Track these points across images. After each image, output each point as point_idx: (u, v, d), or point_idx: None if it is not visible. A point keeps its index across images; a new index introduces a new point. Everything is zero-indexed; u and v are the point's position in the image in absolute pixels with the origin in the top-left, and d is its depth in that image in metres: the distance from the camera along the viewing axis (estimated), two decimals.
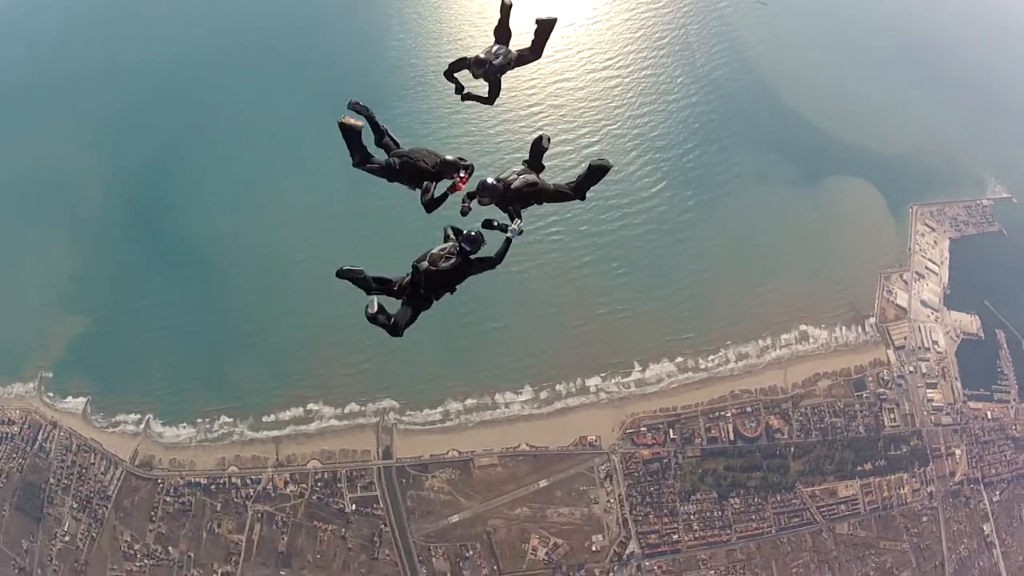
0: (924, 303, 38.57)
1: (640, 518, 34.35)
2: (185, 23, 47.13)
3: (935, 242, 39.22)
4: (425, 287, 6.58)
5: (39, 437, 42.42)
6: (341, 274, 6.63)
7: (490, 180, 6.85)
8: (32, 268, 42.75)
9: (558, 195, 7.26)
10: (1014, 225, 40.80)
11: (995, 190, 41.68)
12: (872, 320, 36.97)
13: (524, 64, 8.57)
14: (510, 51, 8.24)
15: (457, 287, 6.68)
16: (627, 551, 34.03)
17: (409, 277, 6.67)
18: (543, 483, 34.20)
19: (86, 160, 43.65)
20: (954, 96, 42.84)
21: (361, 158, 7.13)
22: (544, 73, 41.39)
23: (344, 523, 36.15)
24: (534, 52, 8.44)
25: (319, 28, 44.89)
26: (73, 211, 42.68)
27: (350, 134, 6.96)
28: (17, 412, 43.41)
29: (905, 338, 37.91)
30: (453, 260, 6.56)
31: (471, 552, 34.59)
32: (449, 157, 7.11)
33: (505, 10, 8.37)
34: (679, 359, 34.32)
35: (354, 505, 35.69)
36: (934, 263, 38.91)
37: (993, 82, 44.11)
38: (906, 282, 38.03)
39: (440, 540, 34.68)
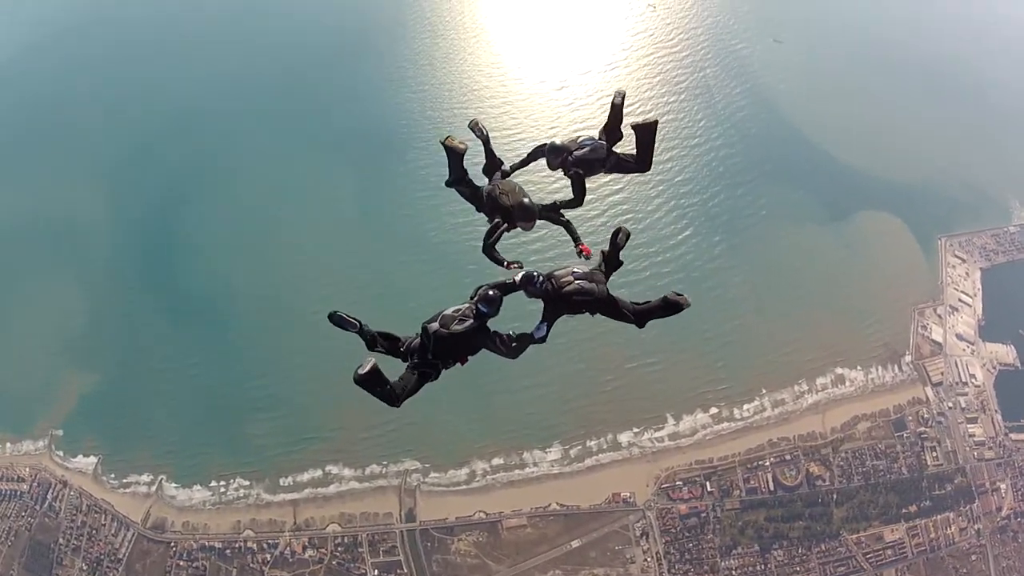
0: (959, 336, 35.57)
1: None
2: (193, 66, 44.63)
3: (967, 273, 36.36)
4: (433, 352, 5.61)
5: (48, 496, 39.11)
6: (333, 319, 5.82)
7: (535, 276, 5.85)
8: (40, 319, 39.67)
9: (615, 314, 6.11)
10: None
11: (1021, 216, 39.04)
12: (908, 358, 33.93)
13: (626, 172, 7.27)
14: (601, 143, 6.92)
15: (469, 358, 5.69)
16: None
17: (417, 338, 5.73)
18: (576, 543, 30.80)
19: (94, 206, 40.82)
20: (973, 122, 40.37)
21: (455, 178, 6.53)
22: (564, 122, 38.85)
23: None
24: (640, 163, 7.04)
25: (333, 72, 42.44)
26: (82, 260, 39.76)
27: (452, 155, 6.53)
28: (27, 470, 40.11)
29: (942, 374, 34.83)
30: (467, 323, 5.66)
31: None
32: (526, 201, 6.35)
33: (616, 108, 7.05)
34: (713, 410, 31.24)
35: (376, 571, 32.19)
36: (967, 295, 36.01)
37: (1011, 106, 41.64)
38: (940, 316, 35.08)
39: None
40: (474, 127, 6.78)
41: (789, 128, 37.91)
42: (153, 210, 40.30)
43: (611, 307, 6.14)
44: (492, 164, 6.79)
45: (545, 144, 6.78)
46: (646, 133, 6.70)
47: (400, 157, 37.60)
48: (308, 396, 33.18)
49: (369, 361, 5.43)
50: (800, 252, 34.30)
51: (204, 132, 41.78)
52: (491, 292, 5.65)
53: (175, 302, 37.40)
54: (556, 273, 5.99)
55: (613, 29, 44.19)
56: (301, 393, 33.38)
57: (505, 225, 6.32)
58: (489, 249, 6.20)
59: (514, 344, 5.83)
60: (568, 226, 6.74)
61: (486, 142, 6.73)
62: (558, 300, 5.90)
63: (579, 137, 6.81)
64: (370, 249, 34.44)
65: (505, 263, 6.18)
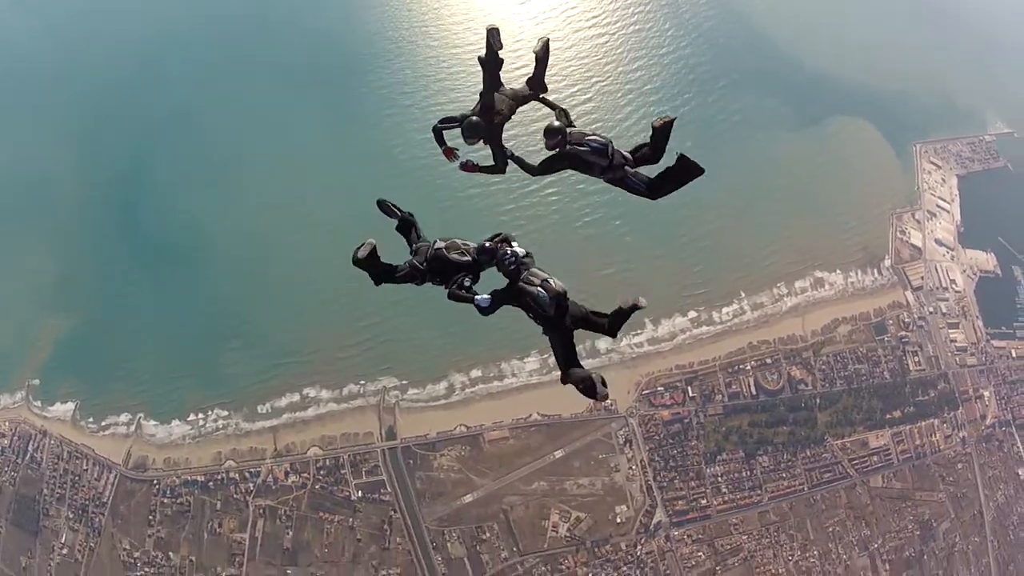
0: (939, 242, 34.84)
1: (665, 484, 30.14)
2: (154, 9, 43.23)
3: (943, 180, 35.63)
4: (428, 264, 6.09)
5: (29, 448, 37.97)
6: (381, 206, 6.44)
7: (506, 255, 5.99)
8: (9, 271, 38.43)
9: (585, 322, 5.98)
10: (1020, 160, 37.25)
11: (996, 125, 38.19)
12: (887, 262, 33.16)
13: (630, 191, 6.72)
14: (606, 148, 6.40)
15: (448, 289, 5.94)
16: (654, 520, 29.80)
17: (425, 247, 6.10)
18: (559, 453, 29.97)
19: (58, 155, 39.42)
20: (948, 30, 39.45)
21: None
22: (529, 36, 37.75)
23: (351, 512, 31.72)
24: (652, 190, 6.65)
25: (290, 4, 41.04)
26: (48, 208, 38.43)
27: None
28: (6, 424, 38.90)
29: (922, 278, 34.09)
30: (463, 259, 6.05)
31: (488, 534, 30.21)
32: (487, 244, 6.18)
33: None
34: (692, 313, 30.33)
35: (360, 492, 31.30)
36: (944, 201, 35.27)
37: (988, 16, 40.70)
38: (919, 221, 34.33)
39: (454, 523, 30.33)
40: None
41: (759, 36, 36.90)
42: (119, 155, 38.94)
43: (566, 324, 5.83)
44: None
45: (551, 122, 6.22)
46: (686, 174, 6.11)
47: (362, 79, 36.43)
48: (280, 322, 32.11)
49: (369, 244, 6.01)
50: (775, 158, 33.40)
51: (165, 75, 40.44)
52: (487, 244, 5.85)
53: (143, 241, 36.21)
54: (532, 269, 5.87)
55: None
56: (273, 320, 32.31)
57: (452, 123, 6.43)
58: (436, 131, 6.43)
59: (459, 292, 5.88)
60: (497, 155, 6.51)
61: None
62: (514, 293, 5.82)
63: (589, 135, 6.33)
64: (337, 171, 33.33)
65: (443, 149, 6.38)
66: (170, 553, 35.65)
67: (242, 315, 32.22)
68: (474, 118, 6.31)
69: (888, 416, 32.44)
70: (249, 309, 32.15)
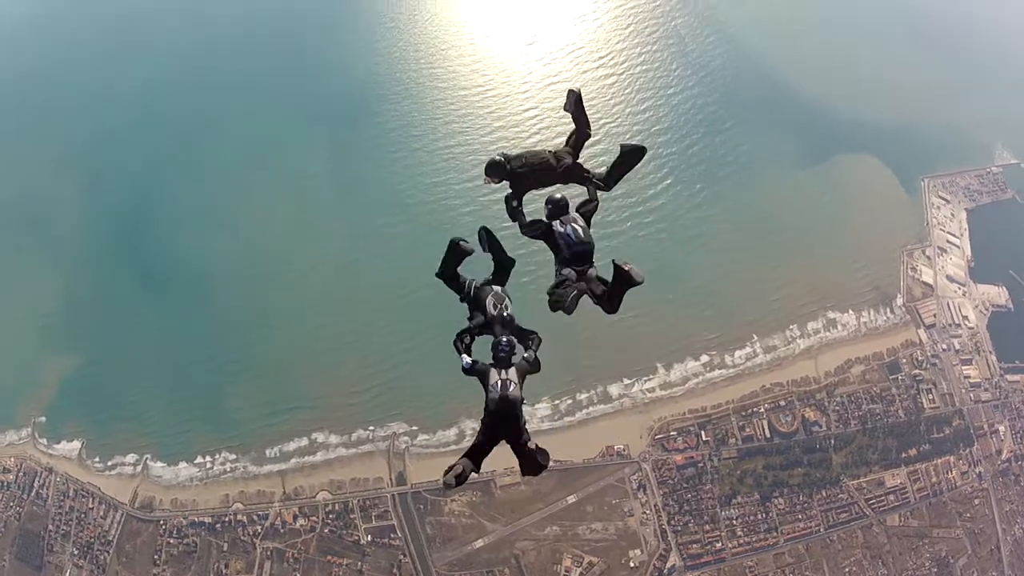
0: (950, 278, 34.29)
1: (679, 528, 29.48)
2: (163, 45, 42.87)
3: (952, 214, 35.11)
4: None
5: (35, 484, 37.42)
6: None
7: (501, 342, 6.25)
8: (13, 306, 37.89)
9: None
10: None
11: (1003, 156, 37.69)
12: (899, 300, 32.60)
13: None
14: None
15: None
16: (668, 564, 29.10)
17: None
18: (572, 499, 29.32)
19: (65, 187, 39.11)
20: (950, 63, 39.00)
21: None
22: (536, 77, 37.31)
23: (360, 556, 31.04)
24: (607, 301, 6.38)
25: (299, 41, 40.66)
26: (54, 244, 38.10)
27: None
28: (12, 460, 38.40)
29: (935, 316, 33.54)
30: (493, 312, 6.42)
31: None
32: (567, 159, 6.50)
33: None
34: (704, 357, 29.76)
35: (369, 536, 30.64)
36: (954, 236, 34.74)
37: (989, 47, 40.21)
38: (929, 258, 33.78)
39: (465, 568, 29.64)
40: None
41: (766, 73, 36.43)
42: (124, 190, 38.66)
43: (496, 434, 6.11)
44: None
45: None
46: (623, 282, 6.06)
47: (371, 120, 35.94)
48: (288, 366, 31.60)
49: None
50: (784, 196, 32.84)
51: (173, 108, 40.10)
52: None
53: (149, 280, 35.82)
54: (502, 379, 6.09)
55: None
56: (281, 364, 31.79)
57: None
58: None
59: (456, 343, 6.31)
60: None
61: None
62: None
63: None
64: (344, 213, 32.82)
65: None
66: None
67: (250, 357, 31.70)
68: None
69: (904, 455, 31.80)
70: (257, 349, 31.61)
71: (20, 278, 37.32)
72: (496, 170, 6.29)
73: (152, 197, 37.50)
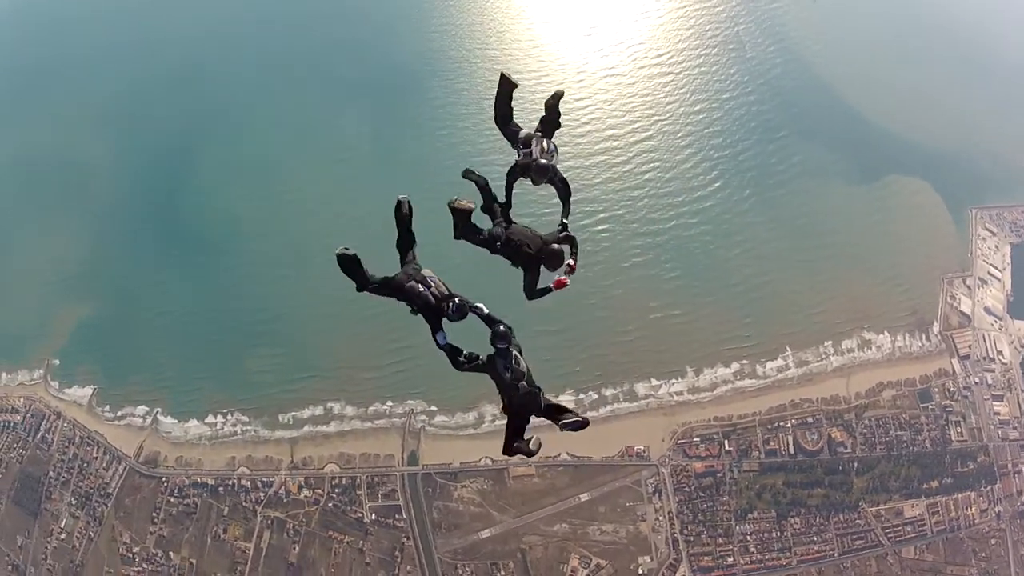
0: (988, 310, 32.69)
1: (692, 538, 27.92)
2: (205, 2, 41.82)
3: (996, 247, 33.55)
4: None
5: (42, 427, 36.22)
6: (466, 175, 6.40)
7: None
8: (41, 252, 36.90)
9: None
10: None
11: None
12: (936, 327, 31.04)
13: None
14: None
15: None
16: (677, 575, 27.55)
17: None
18: (585, 497, 27.81)
19: (100, 143, 38.17)
20: (1009, 96, 37.55)
21: (464, 233, 6.15)
22: (592, 67, 35.95)
23: (362, 534, 29.63)
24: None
25: (353, 9, 39.44)
26: (85, 194, 37.01)
27: (461, 215, 6.07)
28: (21, 400, 37.22)
29: (970, 347, 31.93)
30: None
31: (502, 572, 28.01)
32: (555, 247, 6.11)
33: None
34: (735, 365, 28.28)
35: (374, 515, 29.24)
36: (997, 269, 33.17)
37: None
38: (969, 288, 32.21)
39: (468, 557, 28.18)
40: (468, 174, 6.57)
41: (823, 88, 34.96)
42: (161, 148, 37.56)
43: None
44: (490, 203, 6.52)
45: (516, 165, 6.43)
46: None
47: (420, 96, 34.72)
48: (311, 332, 30.35)
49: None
50: (831, 211, 31.44)
51: (217, 70, 38.97)
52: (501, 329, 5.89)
53: (179, 235, 34.63)
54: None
55: None
56: (304, 329, 30.54)
57: (537, 269, 6.33)
58: (535, 294, 6.44)
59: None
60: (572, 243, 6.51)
61: (484, 187, 6.41)
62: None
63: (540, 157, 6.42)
64: (383, 185, 31.55)
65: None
66: (170, 553, 33.55)
67: (274, 321, 30.52)
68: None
69: (925, 486, 30.19)
70: (282, 315, 30.42)
71: (49, 225, 36.31)
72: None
73: (188, 155, 36.40)
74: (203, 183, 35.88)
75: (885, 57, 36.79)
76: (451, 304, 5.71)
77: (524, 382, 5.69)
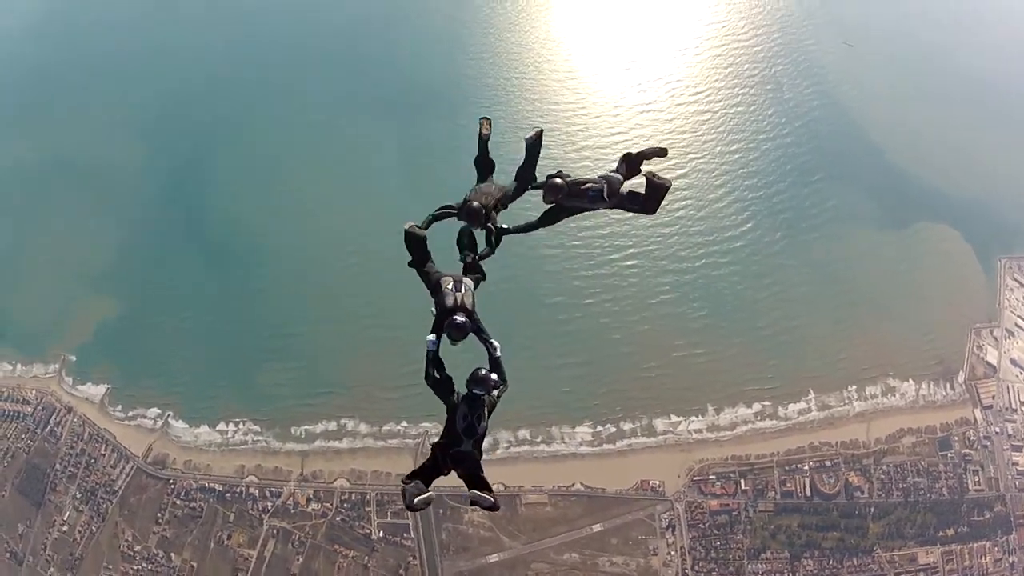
0: (1013, 362, 31.87)
1: (703, 575, 27.21)
2: (237, 11, 41.34)
3: None
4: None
5: (51, 421, 35.82)
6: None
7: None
8: (68, 250, 36.67)
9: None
10: None
11: None
12: (961, 377, 30.28)
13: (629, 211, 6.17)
14: (602, 192, 5.87)
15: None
16: None
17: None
18: (597, 528, 27.13)
19: (130, 145, 37.96)
20: None
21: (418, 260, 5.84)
22: (630, 102, 35.21)
23: (368, 551, 29.03)
24: (645, 209, 6.00)
25: (389, 31, 38.94)
26: (115, 197, 36.82)
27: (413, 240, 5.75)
28: (33, 392, 36.87)
29: (993, 397, 31.12)
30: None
31: None
32: (475, 205, 5.82)
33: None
34: (757, 406, 27.56)
35: (382, 532, 28.65)
36: (1023, 320, 32.41)
37: None
38: (996, 339, 31.42)
39: None
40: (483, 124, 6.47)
41: (858, 132, 34.00)
42: (191, 157, 37.30)
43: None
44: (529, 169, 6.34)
45: (550, 179, 5.99)
46: (657, 194, 5.82)
47: (451, 121, 34.05)
48: (330, 349, 29.81)
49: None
50: (861, 257, 30.61)
51: (247, 74, 38.50)
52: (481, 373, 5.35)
53: (203, 244, 34.27)
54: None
55: (685, 15, 40.48)
56: (323, 345, 30.00)
57: (451, 210, 5.99)
58: (427, 218, 6.00)
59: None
60: (489, 239, 6.04)
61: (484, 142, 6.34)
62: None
63: (587, 183, 5.89)
64: (410, 206, 30.96)
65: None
66: (172, 554, 32.99)
67: (294, 335, 30.06)
68: (475, 203, 5.77)
69: (941, 533, 29.42)
70: (301, 327, 29.86)
71: (77, 225, 35.93)
72: (555, 192, 5.76)
73: (216, 163, 35.98)
74: (232, 193, 35.48)
75: (919, 103, 36.02)
76: (456, 318, 5.12)
77: (472, 442, 5.07)
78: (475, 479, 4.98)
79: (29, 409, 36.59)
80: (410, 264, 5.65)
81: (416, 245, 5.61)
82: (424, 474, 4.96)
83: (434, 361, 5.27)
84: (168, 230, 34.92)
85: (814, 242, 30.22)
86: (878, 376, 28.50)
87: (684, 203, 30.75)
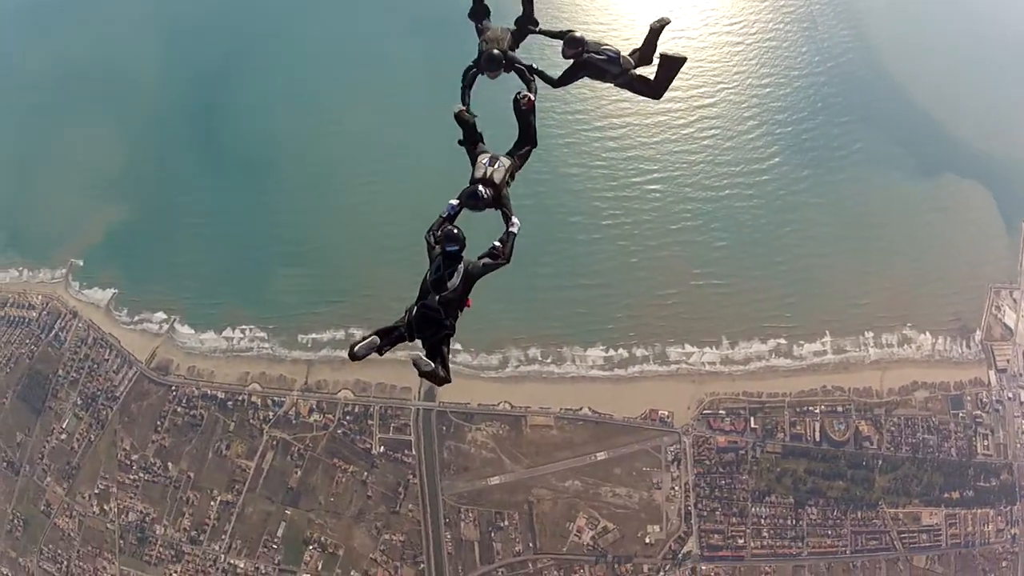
0: None
1: (705, 513, 26.19)
2: None
3: None
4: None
5: (56, 325, 34.85)
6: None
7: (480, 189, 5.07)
8: (79, 156, 35.59)
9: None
10: None
11: None
12: (978, 336, 29.25)
13: (635, 93, 6.47)
14: (617, 58, 6.08)
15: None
16: (684, 549, 25.82)
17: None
18: (601, 455, 26.11)
19: (148, 53, 36.69)
20: None
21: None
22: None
23: (368, 466, 28.04)
24: (654, 92, 6.35)
25: None
26: (129, 104, 35.64)
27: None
28: (39, 298, 35.90)
29: (1008, 361, 30.02)
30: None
31: (506, 523, 26.41)
32: (495, 52, 5.84)
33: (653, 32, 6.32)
34: (772, 342, 26.52)
35: (383, 447, 27.66)
36: None
37: None
38: (1015, 301, 30.39)
39: (474, 503, 26.56)
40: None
41: (893, 83, 32.85)
42: (207, 65, 35.90)
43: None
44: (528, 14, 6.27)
45: (570, 31, 6.03)
46: (671, 67, 6.07)
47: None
48: (342, 257, 28.79)
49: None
50: (887, 203, 29.58)
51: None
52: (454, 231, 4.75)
53: (217, 147, 33.21)
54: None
55: None
56: (335, 253, 29.02)
57: (474, 69, 5.93)
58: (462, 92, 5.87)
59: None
60: (524, 77, 5.89)
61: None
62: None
63: (603, 45, 6.03)
64: (429, 122, 29.94)
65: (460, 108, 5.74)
66: (169, 464, 32.00)
67: (304, 241, 29.03)
68: (494, 51, 5.79)
69: (946, 495, 28.36)
70: (313, 236, 28.87)
71: (90, 132, 34.81)
72: (575, 45, 5.89)
73: (235, 74, 34.89)
74: (249, 102, 34.36)
75: (957, 60, 34.84)
76: (479, 188, 4.90)
77: (440, 299, 4.50)
78: (435, 349, 4.53)
79: (34, 314, 35.60)
80: (459, 143, 5.60)
81: (466, 128, 5.56)
82: (386, 332, 4.53)
83: (449, 218, 4.97)
84: (182, 136, 34.01)
85: (840, 183, 29.20)
86: (896, 325, 27.46)
87: (712, 132, 29.73)
